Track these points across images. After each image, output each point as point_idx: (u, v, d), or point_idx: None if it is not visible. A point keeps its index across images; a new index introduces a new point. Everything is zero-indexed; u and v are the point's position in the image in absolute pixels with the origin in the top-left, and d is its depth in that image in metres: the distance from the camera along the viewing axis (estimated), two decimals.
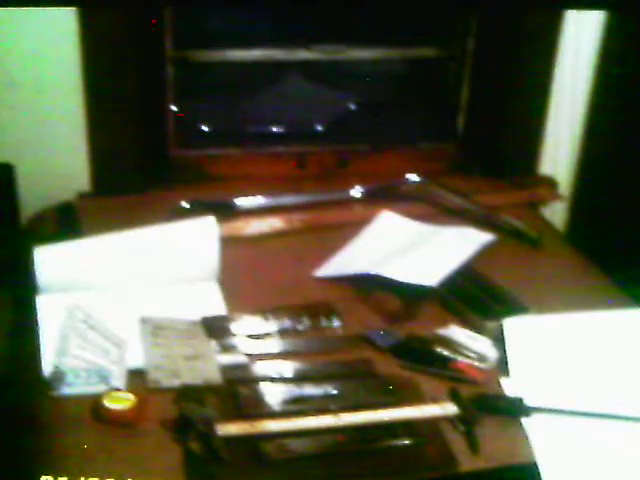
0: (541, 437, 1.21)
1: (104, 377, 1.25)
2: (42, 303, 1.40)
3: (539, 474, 1.16)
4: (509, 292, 1.50)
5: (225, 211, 1.72)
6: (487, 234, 1.68)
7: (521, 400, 1.27)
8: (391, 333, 1.41)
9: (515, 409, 1.26)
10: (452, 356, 1.35)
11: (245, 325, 1.41)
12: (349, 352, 1.38)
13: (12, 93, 1.73)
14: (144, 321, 1.38)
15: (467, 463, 1.17)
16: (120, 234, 1.48)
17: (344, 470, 1.15)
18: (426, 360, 1.34)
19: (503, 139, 2.05)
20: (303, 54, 2.00)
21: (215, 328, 1.39)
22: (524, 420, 1.24)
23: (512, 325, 1.39)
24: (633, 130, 1.92)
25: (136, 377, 1.27)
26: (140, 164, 1.86)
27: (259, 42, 1.97)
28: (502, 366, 1.35)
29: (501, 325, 1.40)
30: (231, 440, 1.15)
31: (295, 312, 1.46)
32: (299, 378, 1.30)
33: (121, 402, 1.19)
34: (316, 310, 1.48)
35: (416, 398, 1.27)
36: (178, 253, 1.50)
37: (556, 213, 2.09)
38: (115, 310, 1.38)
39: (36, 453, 1.15)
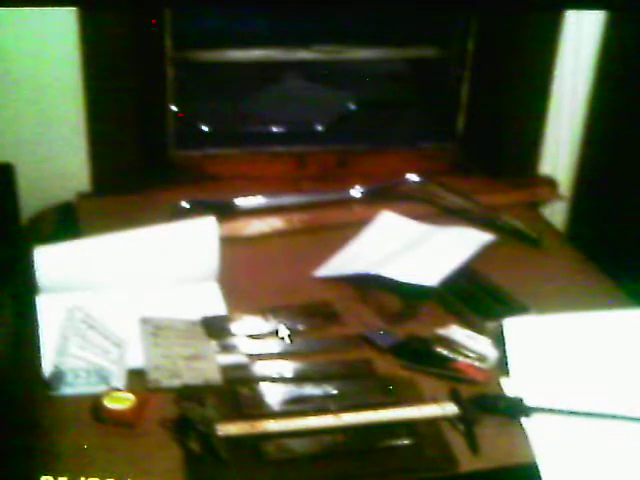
0: (541, 437, 1.21)
1: (104, 377, 1.25)
2: (42, 303, 1.40)
3: (539, 474, 1.16)
4: (509, 292, 1.50)
5: (225, 211, 1.72)
6: (487, 234, 1.68)
7: (521, 400, 1.27)
8: (391, 333, 1.41)
9: (515, 409, 1.26)
10: (452, 356, 1.35)
11: (245, 325, 1.41)
12: (349, 352, 1.38)
13: (12, 93, 1.73)
14: (144, 321, 1.38)
15: (467, 463, 1.17)
16: (120, 234, 1.48)
17: (344, 470, 1.15)
18: (426, 360, 1.34)
19: (503, 139, 2.05)
20: (303, 54, 2.00)
21: (215, 328, 1.39)
22: (524, 420, 1.24)
23: (512, 325, 1.39)
24: (633, 130, 1.92)
25: (136, 377, 1.27)
26: (140, 164, 1.86)
27: (259, 42, 1.97)
28: (502, 366, 1.35)
29: (501, 325, 1.40)
30: (231, 440, 1.15)
31: (295, 312, 1.46)
32: (299, 378, 1.30)
33: (121, 402, 1.19)
34: (316, 310, 1.48)
35: (416, 398, 1.27)
36: (178, 253, 1.50)
37: (556, 213, 2.08)
38: (115, 310, 1.38)
39: (36, 453, 1.15)
